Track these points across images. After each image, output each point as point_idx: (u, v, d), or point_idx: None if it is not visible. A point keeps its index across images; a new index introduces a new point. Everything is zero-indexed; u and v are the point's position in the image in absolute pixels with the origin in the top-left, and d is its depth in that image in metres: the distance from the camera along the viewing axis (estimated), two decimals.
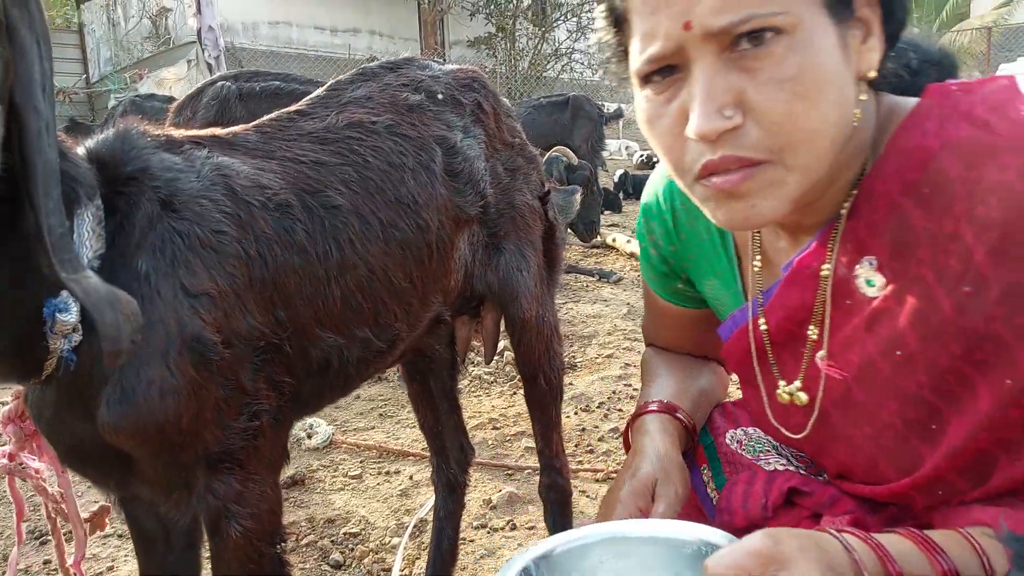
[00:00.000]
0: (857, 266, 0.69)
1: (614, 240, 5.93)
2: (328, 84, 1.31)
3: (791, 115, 0.61)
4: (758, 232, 0.81)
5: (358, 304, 1.07)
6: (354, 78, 1.33)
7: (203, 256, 0.90)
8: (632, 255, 5.58)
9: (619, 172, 9.13)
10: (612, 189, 7.99)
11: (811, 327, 0.74)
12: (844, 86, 0.64)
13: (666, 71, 0.65)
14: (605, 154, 9.65)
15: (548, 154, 5.44)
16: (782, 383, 0.79)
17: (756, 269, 0.81)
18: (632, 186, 8.54)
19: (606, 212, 6.96)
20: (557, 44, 16.69)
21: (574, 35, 16.41)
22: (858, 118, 0.67)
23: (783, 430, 0.81)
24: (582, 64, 17.12)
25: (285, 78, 3.22)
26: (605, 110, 7.73)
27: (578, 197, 5.03)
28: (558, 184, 5.07)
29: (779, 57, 0.60)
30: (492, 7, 15.39)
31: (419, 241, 1.15)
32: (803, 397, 0.77)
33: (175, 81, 10.44)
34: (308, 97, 1.25)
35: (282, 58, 14.15)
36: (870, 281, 0.69)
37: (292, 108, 1.21)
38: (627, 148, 13.59)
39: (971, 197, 0.61)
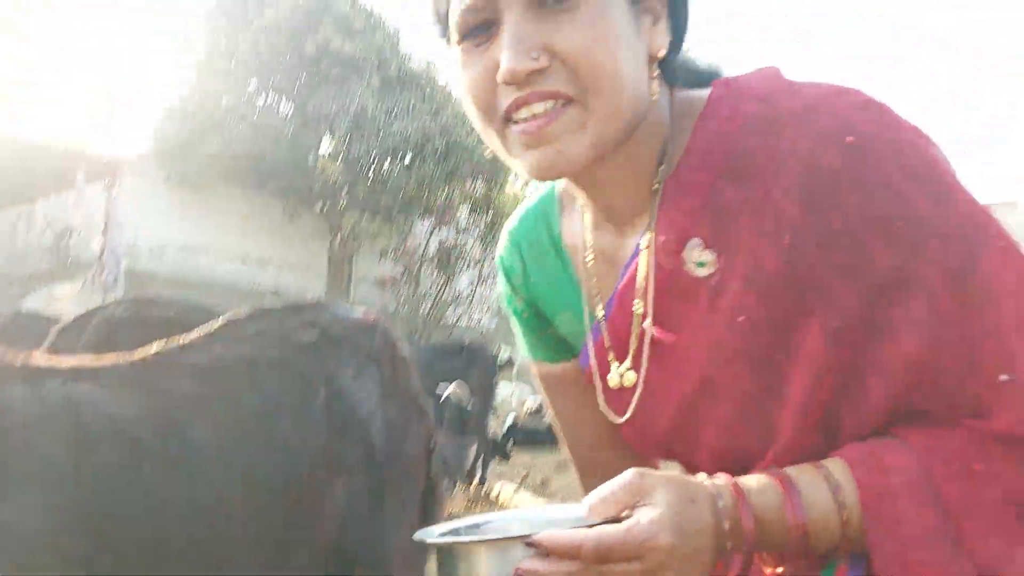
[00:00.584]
0: (684, 252, 0.71)
1: (498, 495, 5.73)
2: (224, 317, 1.31)
3: (592, 59, 0.65)
4: (587, 249, 0.81)
5: (206, 547, 0.99)
6: (252, 313, 1.34)
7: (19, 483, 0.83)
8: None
9: (509, 419, 9.19)
10: (501, 436, 7.99)
11: (637, 303, 0.76)
12: (638, 53, 0.69)
13: (482, 29, 0.68)
14: (496, 401, 9.77)
15: (444, 393, 5.47)
16: (614, 369, 0.79)
17: (590, 258, 0.81)
18: (522, 434, 8.57)
19: (495, 459, 6.89)
20: (458, 292, 17.53)
21: (475, 284, 17.34)
22: (654, 93, 0.72)
23: (612, 410, 0.80)
24: (481, 311, 17.92)
25: (183, 307, 3.15)
26: (499, 358, 8.01)
27: (472, 450, 4.96)
28: (451, 428, 5.04)
29: (582, 12, 0.65)
30: (399, 251, 16.22)
31: (287, 484, 1.10)
32: (632, 378, 0.77)
33: (69, 299, 10.18)
34: (199, 329, 1.24)
35: (186, 285, 14.16)
36: (701, 262, 0.70)
37: (180, 340, 1.20)
38: (518, 396, 13.85)
39: (773, 162, 0.67)
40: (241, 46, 13.48)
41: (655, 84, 0.73)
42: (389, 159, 13.97)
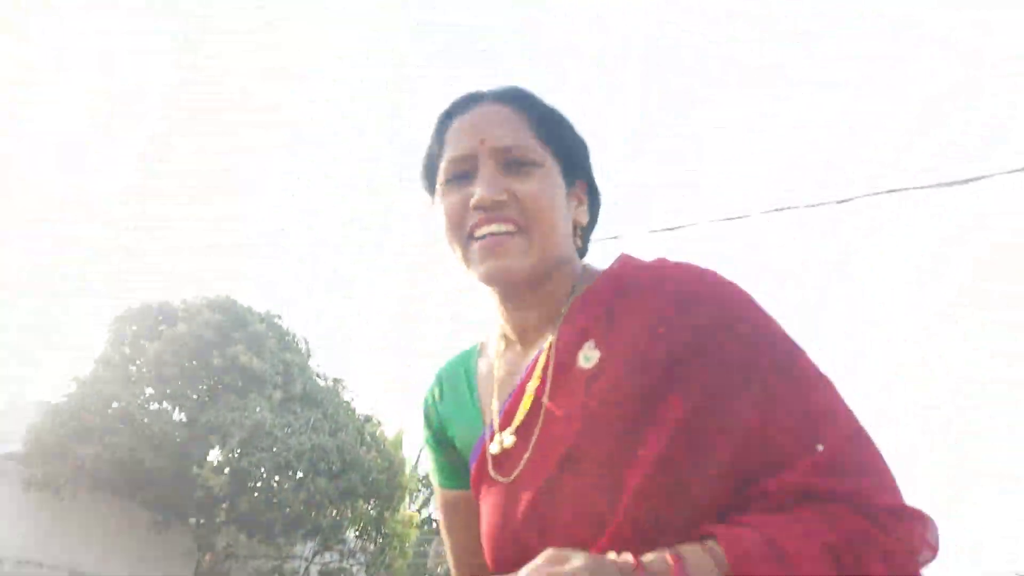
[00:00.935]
0: (579, 350, 0.89)
1: None
2: None
3: (538, 204, 0.92)
4: (501, 355, 1.02)
5: None
6: None
7: None
8: None
9: None
10: None
11: (544, 399, 0.90)
12: (567, 217, 0.97)
13: (462, 176, 0.95)
14: None
15: None
16: (497, 436, 0.94)
17: (500, 373, 1.00)
18: None
19: None
20: None
21: None
22: (577, 248, 1.01)
23: (497, 476, 0.91)
24: None
25: None
26: None
27: None
28: None
29: (535, 176, 0.93)
30: (278, 574, 14.86)
31: None
32: (512, 440, 0.91)
33: None
34: None
35: None
36: (587, 357, 0.88)
37: None
38: None
39: (655, 286, 0.90)
40: (146, 354, 13.46)
41: (574, 243, 1.00)
42: (279, 475, 13.43)
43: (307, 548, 15.79)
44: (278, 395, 13.68)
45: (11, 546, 13.00)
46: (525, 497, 0.87)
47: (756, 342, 0.84)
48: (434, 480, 1.12)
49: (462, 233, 0.95)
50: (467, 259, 0.95)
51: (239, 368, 13.55)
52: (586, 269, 1.01)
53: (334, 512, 14.42)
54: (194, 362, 13.79)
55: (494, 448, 0.92)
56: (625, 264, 0.97)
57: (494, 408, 0.97)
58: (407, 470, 17.20)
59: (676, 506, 0.78)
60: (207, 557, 13.72)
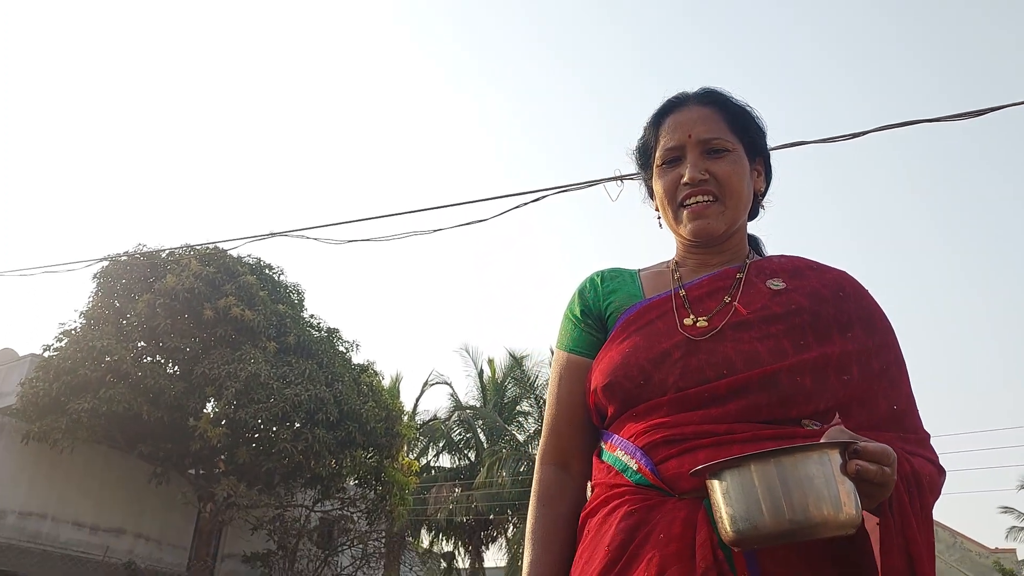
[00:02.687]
0: (768, 279, 1.24)
1: None
2: None
3: (730, 181, 1.26)
4: (676, 270, 1.33)
5: None
6: None
7: None
8: None
9: None
10: None
11: (727, 296, 1.22)
12: (749, 185, 1.31)
13: (673, 161, 1.29)
14: None
15: None
16: (692, 316, 1.21)
17: (677, 276, 1.32)
18: None
19: None
20: (340, 569, 16.13)
21: (359, 562, 16.05)
22: (753, 217, 1.40)
23: (689, 334, 1.17)
24: None
25: None
26: None
27: None
28: None
29: (728, 159, 1.27)
30: (276, 524, 15.01)
31: None
32: (704, 323, 1.19)
33: None
34: None
35: (21, 553, 12.48)
36: (775, 284, 1.23)
37: None
38: None
39: (840, 272, 1.30)
40: (136, 307, 13.30)
41: (754, 205, 1.37)
42: (276, 425, 13.43)
43: (307, 496, 15.93)
44: (272, 346, 13.58)
45: (13, 499, 13.09)
46: (707, 345, 1.16)
47: (890, 332, 1.24)
48: (562, 348, 1.35)
49: (675, 202, 1.29)
50: (677, 220, 1.29)
51: (231, 320, 13.42)
52: (753, 240, 1.42)
53: (333, 461, 14.50)
54: (185, 315, 13.67)
55: (688, 321, 1.20)
56: (804, 257, 1.35)
57: (672, 288, 1.29)
58: (404, 419, 17.24)
59: (801, 370, 1.11)
60: (207, 507, 13.82)
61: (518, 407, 23.20)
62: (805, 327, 1.16)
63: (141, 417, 12.66)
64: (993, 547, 25.24)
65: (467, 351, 24.47)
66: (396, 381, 24.81)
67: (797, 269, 1.28)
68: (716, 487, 0.91)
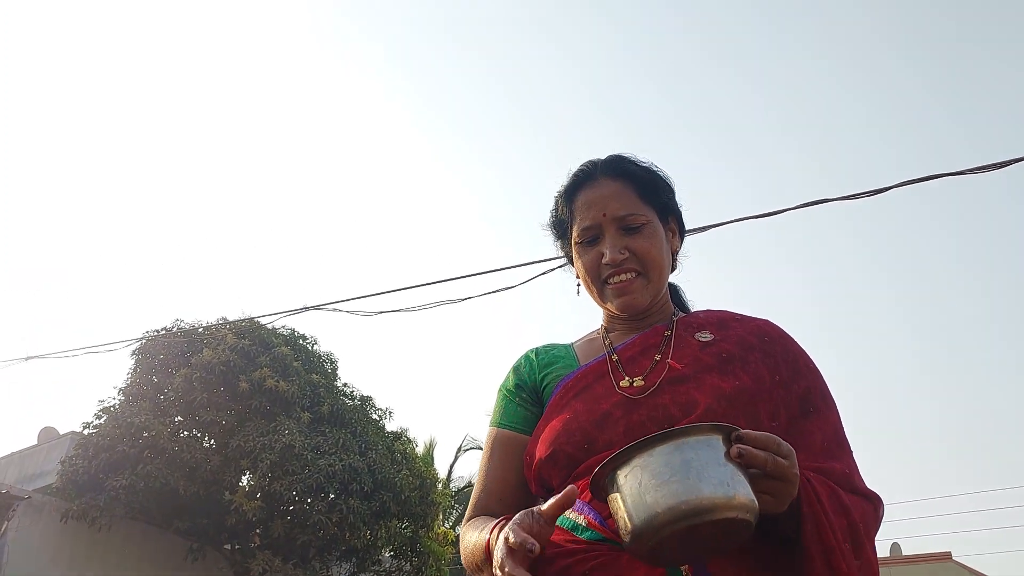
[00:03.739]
0: (696, 333, 1.31)
1: None
2: None
3: (649, 256, 1.33)
4: (606, 336, 1.39)
5: None
6: None
7: None
8: None
9: None
10: None
11: (657, 355, 1.27)
12: (667, 251, 1.37)
13: (591, 240, 1.35)
14: None
15: None
16: (627, 378, 1.24)
17: (608, 342, 1.36)
18: None
19: None
20: None
21: None
22: (673, 266, 1.45)
23: (627, 395, 1.21)
24: None
25: None
26: None
27: None
28: None
29: (645, 232, 1.32)
30: None
31: None
32: (641, 382, 1.23)
33: None
34: None
35: None
36: (703, 336, 1.30)
37: None
38: None
39: (760, 321, 1.36)
40: (173, 382, 13.48)
41: (670, 263, 1.42)
42: (311, 497, 13.34)
43: (343, 570, 15.67)
44: (306, 417, 13.61)
45: None
46: (647, 401, 1.19)
47: (816, 374, 1.29)
48: (495, 424, 1.35)
49: (599, 280, 1.35)
50: (602, 297, 1.36)
51: (266, 392, 13.51)
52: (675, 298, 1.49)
53: (368, 533, 14.29)
54: (221, 388, 13.79)
55: (624, 383, 1.23)
56: (727, 310, 1.38)
57: (606, 351, 1.35)
58: (439, 487, 17.02)
59: (736, 417, 1.12)
60: None
61: None
62: (737, 373, 1.22)
63: (178, 492, 12.66)
64: None
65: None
66: (430, 447, 24.60)
67: (722, 320, 1.36)
68: (611, 495, 0.89)
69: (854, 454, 1.24)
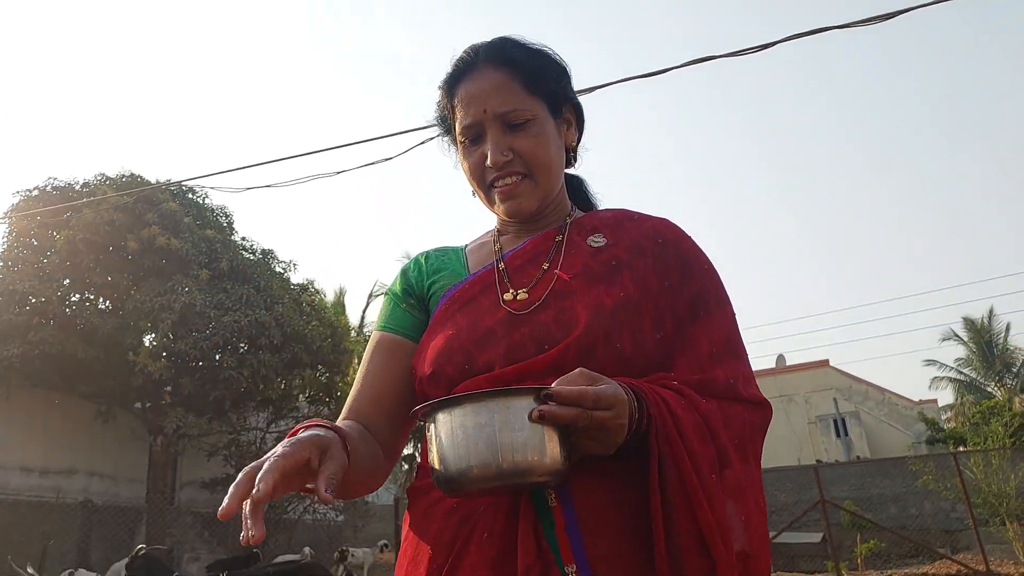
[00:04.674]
0: (589, 236, 1.23)
1: None
2: None
3: (535, 156, 1.20)
4: (497, 241, 1.31)
5: None
6: None
7: None
8: None
9: None
10: None
11: (545, 263, 1.20)
12: (559, 147, 1.25)
13: (474, 139, 1.22)
14: None
15: None
16: (512, 290, 1.17)
17: (498, 248, 1.28)
18: None
19: None
20: None
21: None
22: (570, 163, 1.33)
23: (511, 309, 1.14)
24: (325, 505, 16.74)
25: None
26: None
27: None
28: None
29: (531, 130, 1.19)
30: (233, 448, 15.06)
31: None
32: (525, 295, 1.16)
33: None
34: None
35: None
36: (596, 241, 1.21)
37: None
38: None
39: (658, 221, 1.27)
40: (56, 244, 12.67)
41: (566, 160, 1.31)
42: (220, 352, 13.23)
43: (260, 419, 15.96)
44: (205, 274, 13.19)
45: None
46: (529, 317, 1.12)
47: (710, 275, 1.21)
48: (379, 325, 1.30)
49: (484, 184, 1.24)
50: (489, 200, 1.25)
51: (157, 250, 12.93)
52: (574, 205, 1.36)
53: (282, 383, 14.46)
54: (109, 248, 13.10)
55: (508, 296, 1.17)
56: (626, 209, 1.33)
57: (494, 259, 1.27)
58: (352, 334, 17.19)
59: (619, 333, 1.08)
60: (158, 440, 13.74)
61: None
62: (624, 282, 1.15)
63: (76, 357, 12.30)
64: (917, 399, 27.16)
65: (408, 258, 24.26)
66: (340, 295, 24.57)
67: (617, 221, 1.27)
68: (431, 429, 0.91)
69: (747, 357, 1.17)
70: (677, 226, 1.28)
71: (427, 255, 1.36)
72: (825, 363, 27.77)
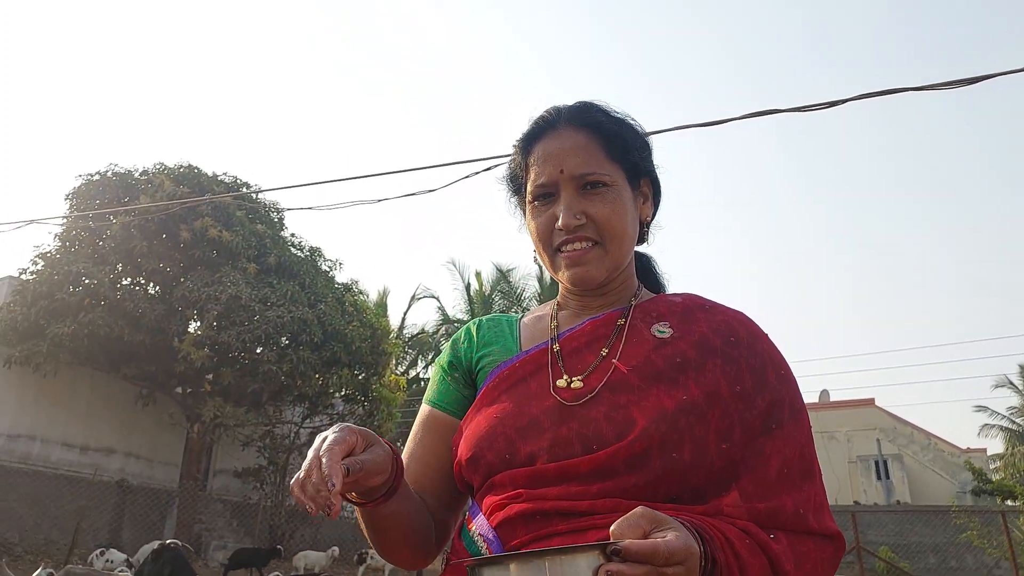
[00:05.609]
0: (654, 325, 1.14)
1: None
2: None
3: (610, 223, 1.13)
4: (555, 317, 1.23)
5: None
6: None
7: None
8: None
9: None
10: None
11: (604, 348, 1.12)
12: (633, 219, 1.18)
13: (546, 196, 1.15)
14: None
15: None
16: (566, 376, 1.09)
17: (554, 325, 1.21)
18: None
19: None
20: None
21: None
22: (643, 238, 1.24)
23: (561, 398, 1.06)
24: (353, 503, 16.82)
25: None
26: None
27: None
28: None
29: (607, 196, 1.13)
30: (267, 440, 15.23)
31: None
32: (579, 384, 1.07)
33: None
34: None
35: (11, 473, 12.64)
36: (661, 331, 1.12)
37: None
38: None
39: (731, 314, 1.18)
40: (112, 228, 12.99)
41: (640, 235, 1.23)
42: (261, 346, 13.40)
43: (296, 413, 16.12)
44: (252, 268, 13.38)
45: (0, 421, 13.15)
46: (579, 411, 1.04)
47: (786, 382, 1.10)
48: (427, 398, 1.25)
49: (550, 247, 1.17)
50: (554, 266, 1.18)
51: (209, 241, 13.16)
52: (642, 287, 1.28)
53: (319, 380, 14.58)
54: (163, 235, 13.39)
55: (561, 383, 1.08)
56: (696, 295, 1.24)
57: (549, 338, 1.20)
58: (391, 336, 17.27)
59: (679, 442, 0.98)
60: (195, 427, 13.96)
61: None
62: (688, 384, 1.04)
63: (123, 339, 12.58)
64: (965, 447, 26.21)
65: (454, 265, 24.36)
66: (383, 296, 24.78)
67: (687, 311, 1.18)
68: None
69: (820, 477, 1.06)
70: (752, 322, 1.17)
71: (479, 324, 1.29)
72: (870, 402, 27.00)
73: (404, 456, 1.21)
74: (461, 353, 1.25)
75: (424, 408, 1.24)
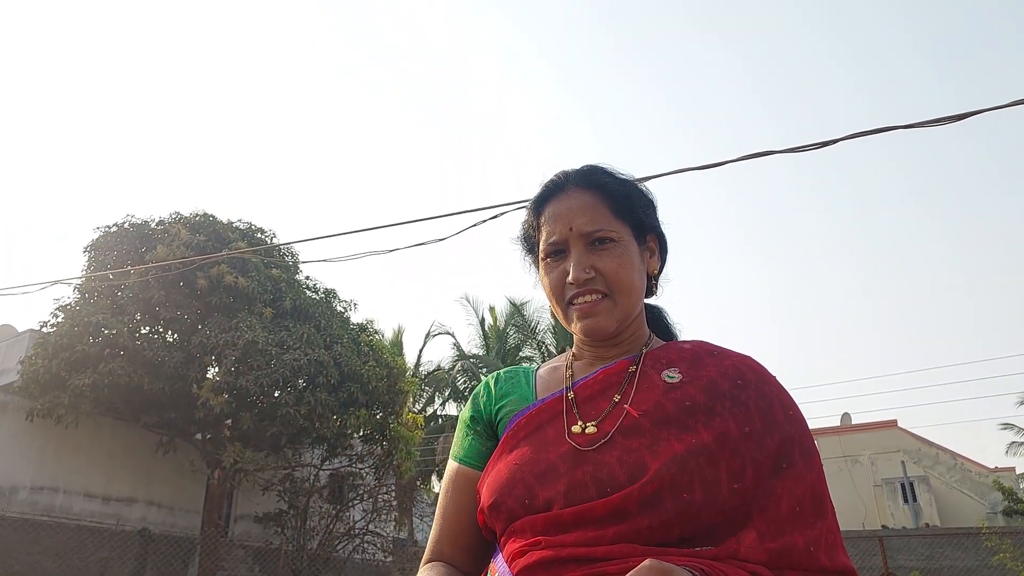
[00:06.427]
0: (664, 371, 1.18)
1: None
2: None
3: (618, 277, 1.19)
4: (570, 367, 1.29)
5: None
6: None
7: None
8: None
9: None
10: None
11: (617, 395, 1.17)
12: (640, 272, 1.24)
13: (557, 254, 1.23)
14: None
15: None
16: (581, 423, 1.14)
17: (569, 374, 1.27)
18: None
19: None
20: (352, 523, 16.43)
21: (369, 515, 16.34)
22: (651, 291, 1.31)
23: (576, 443, 1.10)
24: (374, 546, 16.70)
25: None
26: None
27: None
28: None
29: (615, 251, 1.20)
30: (287, 484, 15.21)
31: None
32: (593, 429, 1.12)
33: None
34: None
35: (36, 526, 12.68)
36: (670, 376, 1.17)
37: None
38: None
39: (739, 359, 1.21)
40: (130, 278, 13.18)
41: (647, 288, 1.30)
42: (278, 390, 13.47)
43: (315, 455, 16.11)
44: (268, 312, 13.51)
45: (23, 474, 13.23)
46: (593, 455, 1.08)
47: (795, 422, 1.12)
48: (453, 457, 1.30)
49: (563, 301, 1.24)
50: (567, 318, 1.24)
51: (225, 288, 13.32)
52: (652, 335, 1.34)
53: (337, 421, 14.59)
54: (180, 283, 13.56)
55: (576, 428, 1.13)
56: (706, 342, 1.29)
57: (564, 387, 1.25)
58: (407, 374, 17.30)
59: (690, 483, 1.01)
60: (216, 473, 13.98)
61: (520, 353, 23.30)
62: (698, 428, 1.08)
63: (143, 388, 12.68)
64: (992, 466, 25.73)
65: (468, 300, 24.49)
66: (398, 334, 24.86)
67: (696, 356, 1.22)
68: None
69: (833, 514, 1.08)
70: (760, 365, 1.22)
71: (497, 378, 1.35)
72: (893, 423, 26.63)
73: (437, 512, 1.29)
74: (481, 406, 1.30)
75: (451, 465, 1.29)
